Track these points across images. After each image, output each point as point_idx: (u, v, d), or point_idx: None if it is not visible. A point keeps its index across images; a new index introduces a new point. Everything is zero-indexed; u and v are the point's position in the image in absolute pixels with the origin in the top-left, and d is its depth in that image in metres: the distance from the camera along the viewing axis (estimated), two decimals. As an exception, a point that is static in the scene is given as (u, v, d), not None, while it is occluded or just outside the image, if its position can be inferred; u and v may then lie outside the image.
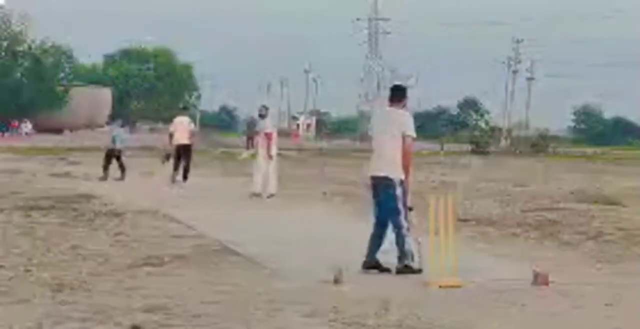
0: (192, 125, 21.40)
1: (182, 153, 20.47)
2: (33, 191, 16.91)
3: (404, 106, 8.89)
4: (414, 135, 8.71)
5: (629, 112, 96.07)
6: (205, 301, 6.93)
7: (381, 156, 8.76)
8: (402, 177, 8.60)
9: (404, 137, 8.62)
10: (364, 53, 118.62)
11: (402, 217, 8.52)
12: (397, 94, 8.95)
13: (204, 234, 11.09)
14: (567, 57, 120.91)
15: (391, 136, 8.65)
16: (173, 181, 20.15)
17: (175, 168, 20.42)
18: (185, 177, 20.37)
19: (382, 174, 8.68)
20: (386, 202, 8.63)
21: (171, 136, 20.88)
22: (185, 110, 24.87)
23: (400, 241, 8.48)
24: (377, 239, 8.72)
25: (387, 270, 8.49)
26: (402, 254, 8.45)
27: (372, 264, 8.59)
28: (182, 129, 20.73)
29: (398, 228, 8.51)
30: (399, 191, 8.55)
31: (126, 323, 6.09)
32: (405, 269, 8.41)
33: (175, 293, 7.19)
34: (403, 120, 8.71)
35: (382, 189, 8.69)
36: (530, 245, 10.97)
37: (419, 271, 8.35)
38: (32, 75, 75.04)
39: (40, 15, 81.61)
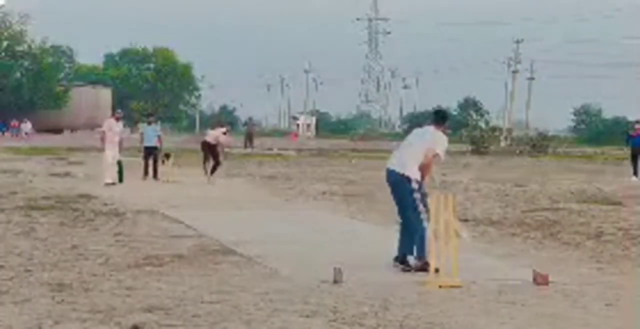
0: (224, 135, 23.34)
1: (210, 152, 22.67)
2: (33, 191, 16.92)
3: (444, 130, 9.15)
4: (441, 154, 8.92)
5: (629, 112, 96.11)
6: (205, 301, 6.93)
7: (402, 155, 8.93)
8: (419, 178, 8.82)
9: (428, 150, 8.84)
10: (364, 53, 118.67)
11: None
12: (438, 118, 9.21)
13: (204, 234, 11.09)
14: (567, 57, 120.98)
15: (421, 146, 8.88)
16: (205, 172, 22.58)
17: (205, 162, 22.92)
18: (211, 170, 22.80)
19: (398, 169, 8.81)
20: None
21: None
22: (219, 122, 26.31)
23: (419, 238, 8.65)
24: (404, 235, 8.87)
25: (407, 270, 8.57)
26: (422, 251, 8.56)
27: (399, 260, 8.77)
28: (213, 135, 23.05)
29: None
30: (416, 190, 8.74)
31: (126, 323, 6.09)
32: (423, 266, 8.48)
33: (175, 293, 7.19)
34: (436, 138, 8.95)
35: (396, 185, 8.83)
36: (530, 245, 10.97)
37: (436, 270, 8.24)
38: (32, 75, 75.08)
39: (40, 15, 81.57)
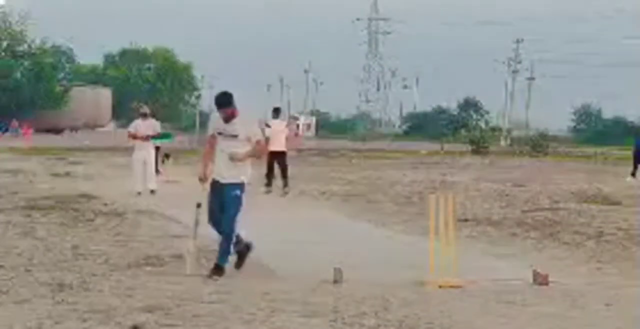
0: (287, 130, 19.24)
1: (278, 160, 18.55)
2: (33, 191, 16.91)
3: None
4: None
5: (628, 112, 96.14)
6: (205, 301, 6.93)
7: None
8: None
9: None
10: (364, 53, 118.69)
11: None
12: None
13: (203, 234, 11.07)
14: (567, 57, 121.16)
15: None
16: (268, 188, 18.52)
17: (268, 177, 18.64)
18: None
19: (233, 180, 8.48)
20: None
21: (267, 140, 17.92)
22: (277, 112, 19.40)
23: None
24: None
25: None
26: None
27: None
28: (279, 134, 18.49)
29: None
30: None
31: (126, 323, 6.09)
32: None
33: (175, 293, 7.19)
34: None
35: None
36: (530, 245, 10.97)
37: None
38: (32, 75, 75.04)
39: (40, 15, 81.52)
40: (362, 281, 7.95)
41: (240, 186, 8.43)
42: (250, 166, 8.60)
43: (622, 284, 8.28)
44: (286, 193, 18.18)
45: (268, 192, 18.28)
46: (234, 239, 8.44)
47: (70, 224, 11.74)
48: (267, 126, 18.41)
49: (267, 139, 17.32)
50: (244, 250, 8.64)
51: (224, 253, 8.39)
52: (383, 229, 12.35)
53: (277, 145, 18.31)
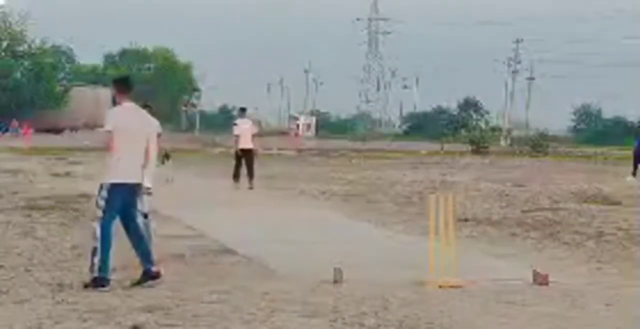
0: (255, 129, 20.60)
1: (246, 157, 19.94)
2: (33, 191, 16.92)
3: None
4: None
5: (628, 112, 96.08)
6: (205, 301, 6.93)
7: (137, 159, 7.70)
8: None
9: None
10: (364, 53, 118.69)
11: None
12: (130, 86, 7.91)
13: (203, 234, 11.09)
14: (567, 57, 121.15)
15: (147, 136, 7.77)
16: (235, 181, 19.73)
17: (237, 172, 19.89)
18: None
19: (138, 181, 7.71)
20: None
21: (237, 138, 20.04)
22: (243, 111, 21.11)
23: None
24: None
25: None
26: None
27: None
28: (246, 132, 19.98)
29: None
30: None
31: (126, 323, 6.09)
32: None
33: (175, 293, 7.19)
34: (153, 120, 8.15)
35: (133, 195, 7.69)
36: (530, 245, 10.97)
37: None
38: (32, 75, 75.04)
39: (40, 15, 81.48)
40: (362, 281, 7.94)
41: (100, 186, 7.58)
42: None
43: (622, 284, 8.28)
44: (250, 188, 19.23)
45: (237, 188, 19.36)
46: (96, 244, 7.44)
47: (70, 224, 11.75)
48: (234, 125, 20.45)
49: (236, 137, 20.03)
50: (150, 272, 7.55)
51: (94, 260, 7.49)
52: (383, 229, 12.35)
53: (245, 143, 19.90)
